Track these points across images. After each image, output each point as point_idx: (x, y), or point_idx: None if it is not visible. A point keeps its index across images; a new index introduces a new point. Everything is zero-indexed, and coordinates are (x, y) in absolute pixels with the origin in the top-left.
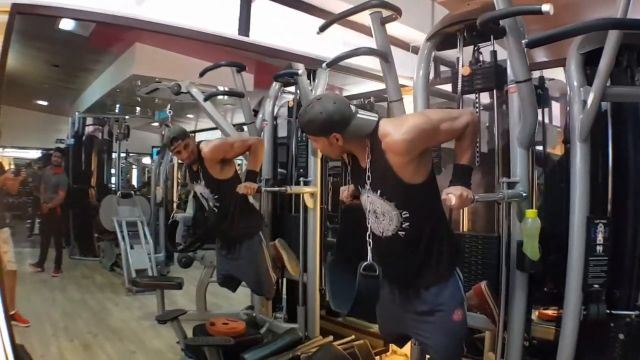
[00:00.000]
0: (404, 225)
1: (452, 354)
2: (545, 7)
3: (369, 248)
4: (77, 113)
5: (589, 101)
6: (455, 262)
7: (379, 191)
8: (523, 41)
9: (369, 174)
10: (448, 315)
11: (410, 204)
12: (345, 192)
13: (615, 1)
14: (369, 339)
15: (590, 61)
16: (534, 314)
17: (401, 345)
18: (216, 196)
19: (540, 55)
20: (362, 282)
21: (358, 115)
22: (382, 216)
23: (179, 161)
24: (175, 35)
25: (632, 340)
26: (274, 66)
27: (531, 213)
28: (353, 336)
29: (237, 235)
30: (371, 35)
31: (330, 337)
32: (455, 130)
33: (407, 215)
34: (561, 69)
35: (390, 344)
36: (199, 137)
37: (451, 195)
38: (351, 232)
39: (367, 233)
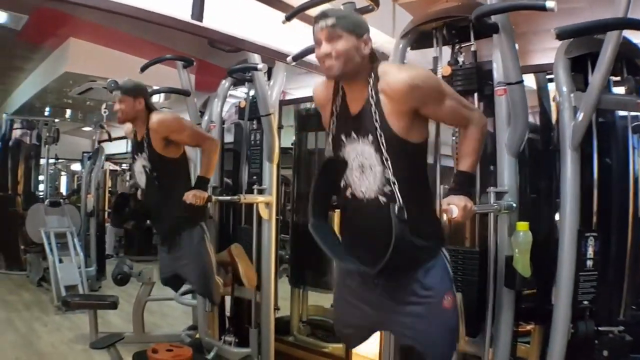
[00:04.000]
0: (386, 189)
1: (446, 349)
2: (550, 4)
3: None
4: (4, 115)
5: (582, 108)
6: (443, 240)
7: (369, 136)
8: (553, 30)
9: (362, 117)
10: (438, 302)
11: (396, 161)
12: None
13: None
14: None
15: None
16: None
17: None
18: (155, 174)
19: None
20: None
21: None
22: (368, 170)
23: (111, 168)
24: (115, 12)
25: (616, 356)
26: (219, 67)
27: (522, 226)
28: None
29: (177, 223)
30: None
31: None
32: (461, 118)
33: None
34: None
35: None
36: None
37: (453, 206)
38: (329, 189)
39: (345, 194)
